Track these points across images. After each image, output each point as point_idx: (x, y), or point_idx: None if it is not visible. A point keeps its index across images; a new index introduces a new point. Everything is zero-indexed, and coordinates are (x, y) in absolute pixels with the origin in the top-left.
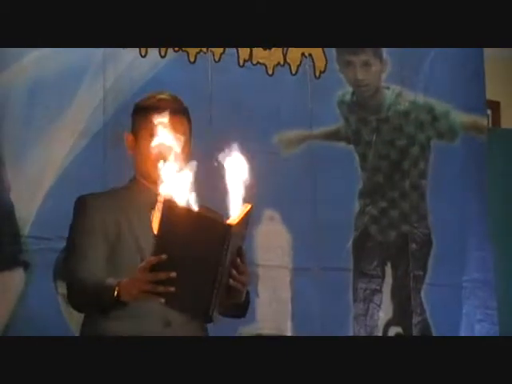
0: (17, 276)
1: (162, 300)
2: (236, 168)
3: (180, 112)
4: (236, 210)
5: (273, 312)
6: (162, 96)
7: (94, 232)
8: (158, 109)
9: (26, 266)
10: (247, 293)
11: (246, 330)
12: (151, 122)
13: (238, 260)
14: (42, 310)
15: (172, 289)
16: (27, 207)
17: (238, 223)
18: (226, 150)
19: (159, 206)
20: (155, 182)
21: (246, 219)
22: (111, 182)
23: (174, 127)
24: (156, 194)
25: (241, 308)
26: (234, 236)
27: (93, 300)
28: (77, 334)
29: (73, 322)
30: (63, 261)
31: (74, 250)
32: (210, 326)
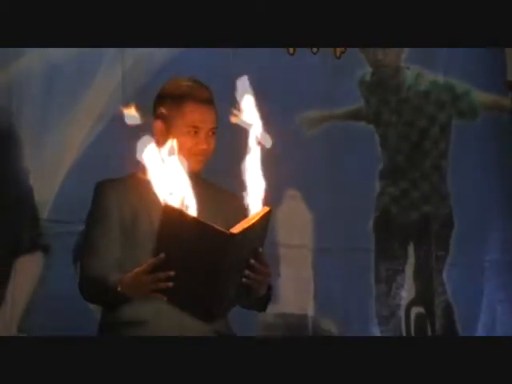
0: (36, 260)
1: (164, 298)
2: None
3: (210, 100)
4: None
5: (295, 291)
6: (190, 83)
7: (108, 220)
8: (190, 96)
9: (45, 249)
10: (269, 288)
11: (269, 309)
12: (184, 109)
13: (252, 261)
14: (61, 293)
15: (170, 284)
16: (46, 191)
17: (247, 229)
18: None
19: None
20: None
21: (265, 222)
22: (129, 166)
23: (205, 116)
24: None
25: (261, 303)
26: (242, 241)
27: (99, 295)
28: (97, 316)
29: (92, 304)
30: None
31: (87, 241)
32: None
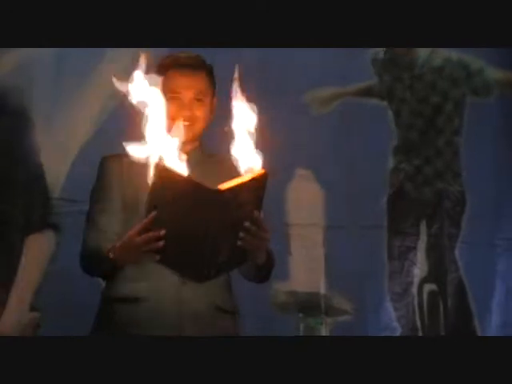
0: (47, 238)
1: (157, 257)
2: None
3: (201, 69)
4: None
5: (306, 270)
6: (180, 54)
7: (109, 195)
8: (177, 66)
9: (56, 228)
10: (270, 255)
11: (280, 286)
12: (169, 79)
13: (247, 224)
14: (73, 272)
15: (161, 243)
16: (57, 170)
17: (237, 188)
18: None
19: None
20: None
21: (261, 185)
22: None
23: (194, 85)
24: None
25: (263, 270)
26: (232, 200)
27: (95, 266)
28: None
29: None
30: None
31: (89, 216)
32: (243, 281)
